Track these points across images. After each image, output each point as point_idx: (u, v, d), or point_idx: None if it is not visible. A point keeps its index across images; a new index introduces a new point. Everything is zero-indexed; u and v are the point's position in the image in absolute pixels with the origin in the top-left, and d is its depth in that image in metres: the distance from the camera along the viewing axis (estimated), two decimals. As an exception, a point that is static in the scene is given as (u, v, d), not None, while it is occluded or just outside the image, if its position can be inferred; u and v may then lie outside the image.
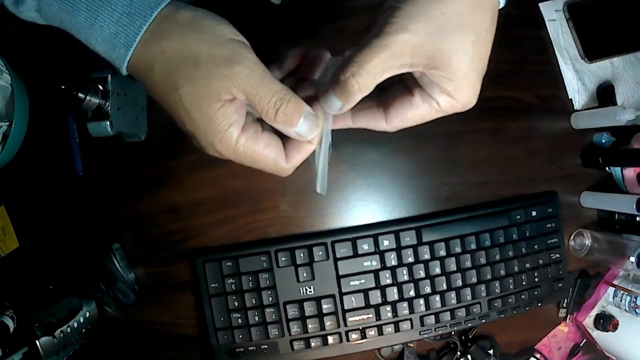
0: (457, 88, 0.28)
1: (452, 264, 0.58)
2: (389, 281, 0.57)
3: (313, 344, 0.57)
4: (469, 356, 0.61)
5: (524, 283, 0.60)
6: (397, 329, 0.58)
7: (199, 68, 0.28)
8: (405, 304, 0.58)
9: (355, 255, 0.57)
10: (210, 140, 0.30)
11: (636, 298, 0.60)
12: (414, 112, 0.31)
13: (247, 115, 0.31)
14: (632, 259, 0.57)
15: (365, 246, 0.57)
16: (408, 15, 0.26)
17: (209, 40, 0.29)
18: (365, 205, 0.60)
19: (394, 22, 0.27)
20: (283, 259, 0.56)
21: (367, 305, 0.57)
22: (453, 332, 0.61)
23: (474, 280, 0.59)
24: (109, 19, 0.29)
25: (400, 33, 0.26)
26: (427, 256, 0.58)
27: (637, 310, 0.60)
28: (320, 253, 0.57)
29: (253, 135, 0.31)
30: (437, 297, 0.58)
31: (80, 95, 0.46)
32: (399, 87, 0.33)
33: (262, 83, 0.29)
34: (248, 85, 0.29)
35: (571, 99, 0.64)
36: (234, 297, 0.56)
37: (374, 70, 0.27)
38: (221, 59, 0.28)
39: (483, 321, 0.60)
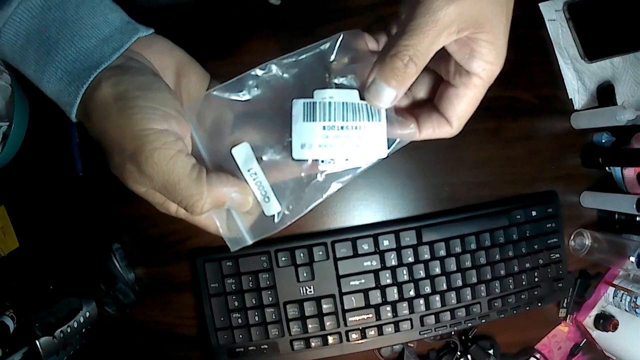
0: (495, 50, 0.28)
1: (452, 264, 0.58)
2: (389, 281, 0.57)
3: (313, 344, 0.57)
4: (469, 356, 0.61)
5: (524, 283, 0.60)
6: (397, 329, 0.58)
7: (113, 156, 0.28)
8: (405, 304, 0.58)
9: (355, 255, 0.57)
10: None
11: (636, 298, 0.60)
12: (459, 94, 0.30)
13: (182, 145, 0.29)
14: (632, 259, 0.57)
15: (365, 246, 0.57)
16: None
17: (117, 130, 0.27)
18: (365, 205, 0.60)
19: None
20: (283, 259, 0.56)
21: (367, 305, 0.57)
22: (453, 332, 0.61)
23: (474, 280, 0.59)
24: (54, 76, 0.28)
25: (448, 5, 0.26)
26: (427, 256, 0.58)
27: (637, 310, 0.60)
28: (320, 253, 0.57)
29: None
30: (437, 297, 0.58)
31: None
32: (431, 88, 0.34)
33: (167, 186, 0.27)
34: (152, 184, 0.28)
35: (571, 99, 0.64)
36: (234, 297, 0.56)
37: (430, 47, 0.27)
38: (127, 154, 0.27)
39: (483, 321, 0.60)
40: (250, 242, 0.31)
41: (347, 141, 0.29)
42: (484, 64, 0.29)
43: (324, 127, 0.29)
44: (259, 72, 0.30)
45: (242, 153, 0.30)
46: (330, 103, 0.29)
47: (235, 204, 0.30)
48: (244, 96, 0.31)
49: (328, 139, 0.29)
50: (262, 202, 0.30)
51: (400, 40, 0.27)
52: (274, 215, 0.31)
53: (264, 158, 0.30)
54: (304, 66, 0.31)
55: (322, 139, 0.29)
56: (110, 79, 0.27)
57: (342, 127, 0.29)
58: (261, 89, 0.31)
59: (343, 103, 0.29)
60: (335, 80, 0.31)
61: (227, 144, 0.30)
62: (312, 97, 0.30)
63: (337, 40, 0.31)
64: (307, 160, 0.29)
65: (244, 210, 0.30)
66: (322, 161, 0.30)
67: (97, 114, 0.27)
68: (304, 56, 0.31)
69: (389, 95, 0.28)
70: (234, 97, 0.31)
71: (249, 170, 0.30)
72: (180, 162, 0.27)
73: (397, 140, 0.32)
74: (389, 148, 0.31)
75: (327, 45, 0.31)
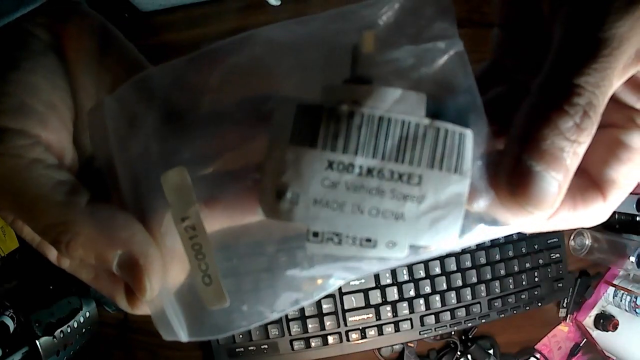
0: None
1: (452, 264, 0.58)
2: (389, 281, 0.57)
3: (313, 344, 0.57)
4: (469, 356, 0.61)
5: (524, 283, 0.60)
6: (397, 329, 0.58)
7: None
8: (405, 304, 0.57)
9: (355, 255, 0.57)
10: None
11: (636, 298, 0.60)
12: (633, 146, 0.17)
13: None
14: (632, 258, 0.57)
15: (365, 246, 0.57)
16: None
17: None
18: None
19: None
20: (283, 259, 0.56)
21: (367, 305, 0.57)
22: (453, 332, 0.61)
23: (474, 280, 0.59)
24: None
25: (634, 13, 0.15)
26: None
27: (637, 310, 0.60)
28: (320, 253, 0.56)
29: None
30: (437, 297, 0.58)
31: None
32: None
33: (19, 211, 0.18)
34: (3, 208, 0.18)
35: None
36: (234, 297, 0.56)
37: (612, 83, 0.15)
38: None
39: (483, 321, 0.60)
40: (185, 340, 0.18)
41: (377, 203, 0.14)
42: None
43: (330, 164, 0.14)
44: (231, 47, 0.16)
45: (174, 186, 0.16)
46: (352, 114, 0.14)
47: (126, 276, 0.17)
48: (197, 88, 0.17)
49: (336, 190, 0.14)
50: (197, 282, 0.16)
51: (562, 78, 0.15)
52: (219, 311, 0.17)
53: (216, 202, 0.17)
54: (314, 43, 0.16)
55: (324, 188, 0.14)
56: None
57: (370, 171, 0.14)
58: (229, 77, 0.17)
59: (382, 119, 0.14)
60: (373, 67, 0.15)
61: (156, 166, 0.17)
62: (319, 97, 0.15)
63: (395, 3, 0.15)
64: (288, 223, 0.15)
65: (141, 298, 0.17)
66: (315, 234, 0.15)
67: None
68: (316, 26, 0.16)
69: (553, 189, 0.15)
70: (178, 89, 0.17)
71: (183, 221, 0.16)
72: (36, 175, 0.17)
73: (489, 222, 0.16)
74: (463, 232, 0.16)
75: (371, 10, 0.16)
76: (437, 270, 0.58)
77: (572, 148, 0.15)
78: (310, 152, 0.14)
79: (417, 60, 0.15)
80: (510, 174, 0.15)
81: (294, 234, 0.15)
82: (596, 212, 0.17)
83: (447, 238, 0.15)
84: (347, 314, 0.57)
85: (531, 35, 0.19)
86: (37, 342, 0.47)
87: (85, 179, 0.19)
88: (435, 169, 0.14)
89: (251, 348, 0.56)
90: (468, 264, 0.58)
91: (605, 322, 0.63)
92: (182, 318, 0.18)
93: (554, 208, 0.15)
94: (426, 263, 0.58)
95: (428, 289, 0.58)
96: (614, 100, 0.16)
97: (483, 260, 0.59)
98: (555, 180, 0.15)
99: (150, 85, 0.17)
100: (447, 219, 0.15)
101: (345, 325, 0.57)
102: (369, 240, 0.15)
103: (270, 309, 0.17)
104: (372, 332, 0.57)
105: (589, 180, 0.17)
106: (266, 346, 0.56)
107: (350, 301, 0.57)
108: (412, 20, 0.15)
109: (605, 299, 0.64)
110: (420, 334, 0.58)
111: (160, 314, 0.17)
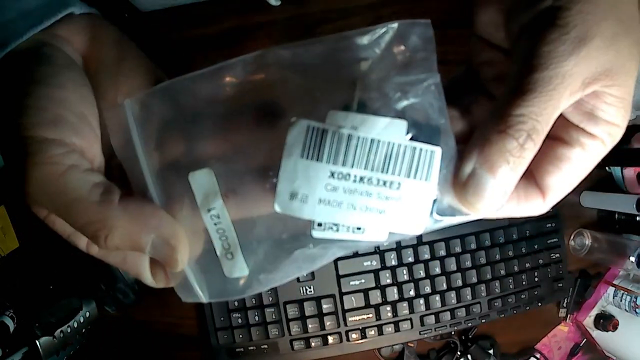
0: (625, 108, 0.20)
1: (452, 264, 0.58)
2: (389, 281, 0.57)
3: (313, 344, 0.57)
4: (469, 356, 0.61)
5: (524, 283, 0.60)
6: (397, 329, 0.58)
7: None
8: (405, 304, 0.58)
9: (355, 255, 0.57)
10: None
11: (636, 298, 0.60)
12: (570, 157, 0.21)
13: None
14: (632, 258, 0.57)
15: (365, 246, 0.57)
16: (579, 28, 0.18)
17: (3, 136, 0.21)
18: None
19: (561, 40, 0.18)
20: (283, 259, 0.56)
21: (367, 305, 0.57)
22: (453, 332, 0.61)
23: (474, 280, 0.59)
24: None
25: (577, 49, 0.18)
26: (427, 256, 0.58)
27: (637, 310, 0.60)
28: (320, 253, 0.57)
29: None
30: (437, 297, 0.58)
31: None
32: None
33: (60, 211, 0.20)
34: (43, 207, 0.21)
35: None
36: (234, 297, 0.56)
37: (552, 114, 0.19)
38: (14, 168, 0.21)
39: (483, 321, 0.60)
40: (206, 301, 0.22)
41: (366, 202, 0.19)
42: (610, 128, 0.20)
43: (332, 174, 0.19)
44: (244, 63, 0.21)
45: (201, 183, 0.21)
46: (351, 137, 0.19)
47: (159, 256, 0.21)
48: (215, 96, 0.21)
49: (336, 193, 0.19)
50: (221, 257, 0.21)
51: (512, 108, 0.19)
52: (238, 278, 0.22)
53: (234, 194, 0.21)
54: (318, 66, 0.20)
55: (327, 191, 0.19)
56: (10, 67, 0.22)
57: (362, 179, 0.19)
58: (243, 89, 0.21)
59: (373, 141, 0.19)
60: (367, 99, 0.20)
61: (184, 165, 0.21)
62: (324, 121, 0.19)
63: (387, 33, 0.19)
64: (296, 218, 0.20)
65: (173, 270, 0.22)
66: (319, 224, 0.20)
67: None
68: (320, 49, 0.20)
69: (496, 192, 0.19)
70: (198, 97, 0.21)
71: (209, 211, 0.21)
72: (74, 180, 0.20)
73: (449, 214, 0.21)
74: (432, 219, 0.21)
75: (367, 38, 0.19)
76: (437, 270, 0.58)
77: (517, 161, 0.19)
78: (318, 165, 0.19)
79: (402, 92, 0.19)
80: (466, 180, 0.20)
81: (300, 223, 0.20)
82: (535, 208, 0.22)
83: (418, 227, 0.20)
84: (347, 314, 0.57)
85: (498, 47, 0.23)
86: (37, 342, 0.47)
87: (107, 173, 0.22)
88: (411, 178, 0.20)
89: (251, 348, 0.56)
90: (468, 264, 0.58)
91: (605, 322, 0.63)
92: (204, 283, 0.22)
93: (494, 207, 0.20)
94: (426, 263, 0.58)
95: (428, 289, 0.58)
96: (563, 117, 0.20)
97: (483, 260, 0.59)
98: (501, 186, 0.19)
99: (172, 93, 0.21)
100: (418, 213, 0.20)
101: (345, 325, 0.57)
102: (359, 228, 0.20)
103: (280, 276, 0.22)
104: (372, 332, 0.57)
105: (532, 181, 0.21)
106: (266, 346, 0.56)
107: (350, 301, 0.57)
108: (400, 49, 0.20)
109: (605, 299, 0.64)
110: (420, 334, 0.58)
111: (183, 281, 0.22)
